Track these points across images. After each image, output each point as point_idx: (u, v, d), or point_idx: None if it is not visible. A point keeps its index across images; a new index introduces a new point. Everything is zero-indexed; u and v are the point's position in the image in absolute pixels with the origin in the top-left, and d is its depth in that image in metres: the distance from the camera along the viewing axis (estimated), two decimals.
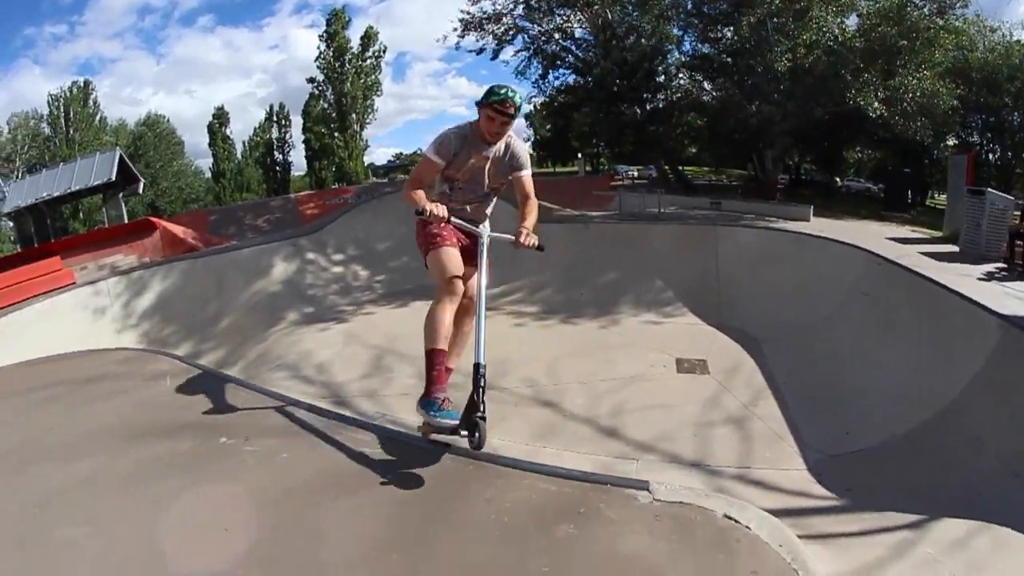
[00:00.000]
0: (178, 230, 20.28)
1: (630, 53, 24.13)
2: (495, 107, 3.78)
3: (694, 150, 34.03)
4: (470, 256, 4.01)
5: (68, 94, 56.93)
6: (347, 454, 3.69)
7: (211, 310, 11.87)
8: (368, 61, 56.59)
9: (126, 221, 31.56)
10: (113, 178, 27.52)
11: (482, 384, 3.54)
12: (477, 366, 3.59)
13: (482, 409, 3.47)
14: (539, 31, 26.76)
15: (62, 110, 56.27)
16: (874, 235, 11.77)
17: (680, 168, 30.13)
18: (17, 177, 46.71)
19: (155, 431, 4.22)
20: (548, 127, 60.73)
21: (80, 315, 11.07)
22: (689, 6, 24.86)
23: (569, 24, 26.54)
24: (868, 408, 7.03)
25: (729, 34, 22.05)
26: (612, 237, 11.70)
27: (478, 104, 3.86)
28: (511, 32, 26.63)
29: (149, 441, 4.07)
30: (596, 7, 24.67)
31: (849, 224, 14.45)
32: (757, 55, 19.60)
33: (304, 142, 59.15)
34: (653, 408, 7.06)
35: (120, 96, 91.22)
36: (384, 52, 57.73)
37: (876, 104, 17.04)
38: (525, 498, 3.13)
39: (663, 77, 25.97)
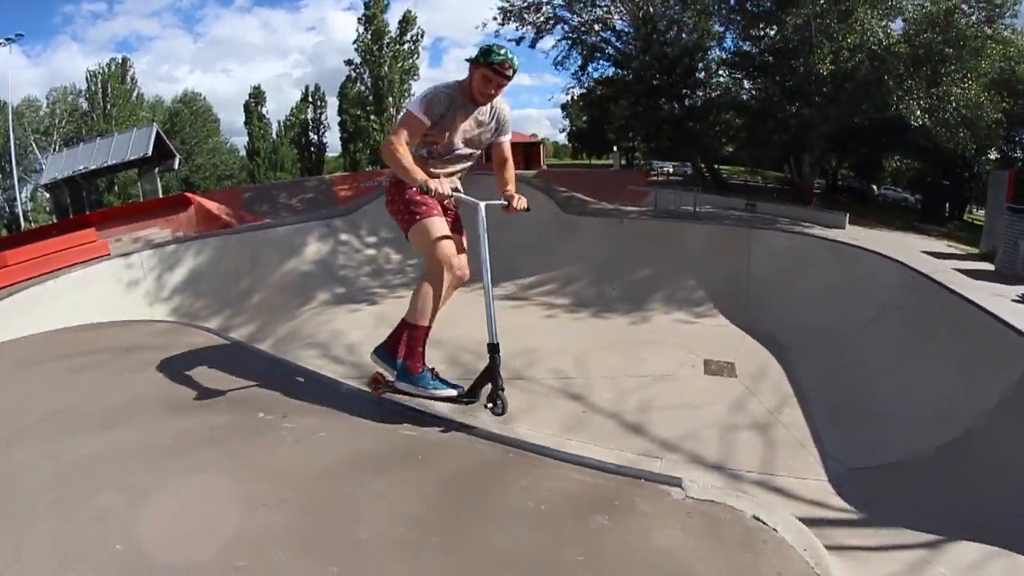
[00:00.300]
0: (212, 206, 20.49)
1: (671, 48, 23.93)
2: (495, 68, 3.63)
3: (730, 149, 33.63)
4: (454, 228, 3.99)
5: (106, 71, 57.73)
6: (385, 435, 3.77)
7: (243, 286, 11.93)
8: (406, 45, 56.81)
9: (161, 196, 32.14)
10: (149, 153, 28.02)
11: (499, 361, 3.89)
12: (493, 346, 3.87)
13: (501, 383, 3.92)
14: (579, 21, 26.65)
15: (100, 86, 57.03)
16: (909, 247, 11.66)
17: (716, 167, 29.85)
18: (55, 150, 47.49)
19: (192, 404, 4.21)
20: (584, 118, 60.66)
21: (113, 286, 11.24)
22: (732, 2, 24.67)
23: (609, 15, 26.40)
24: (892, 423, 6.98)
25: (772, 33, 21.59)
26: (646, 233, 11.70)
27: (473, 62, 3.70)
28: (551, 22, 26.60)
29: (187, 413, 4.05)
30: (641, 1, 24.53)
31: (884, 234, 14.33)
32: (800, 56, 19.35)
33: (339, 124, 59.80)
34: (679, 408, 7.11)
35: (157, 73, 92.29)
36: (422, 36, 57.96)
37: (918, 112, 16.75)
38: (561, 487, 3.19)
39: (703, 74, 25.73)
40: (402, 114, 3.80)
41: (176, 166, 31.61)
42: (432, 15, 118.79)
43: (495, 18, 26.71)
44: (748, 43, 24.52)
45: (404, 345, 3.94)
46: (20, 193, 49.91)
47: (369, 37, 56.42)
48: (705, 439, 6.67)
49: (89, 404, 4.33)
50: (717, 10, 24.78)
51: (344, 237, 13.44)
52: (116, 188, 52.79)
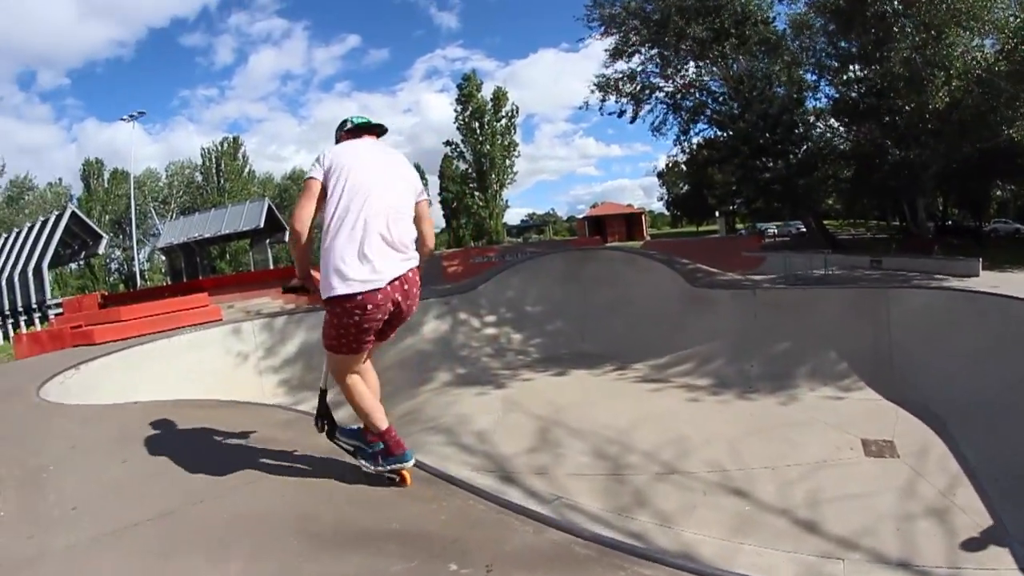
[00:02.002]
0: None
1: (770, 105, 23.59)
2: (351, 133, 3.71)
3: (830, 202, 32.47)
4: None
5: (219, 148, 62.25)
6: None
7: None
8: (502, 122, 58.27)
9: (271, 267, 33.53)
10: (261, 225, 29.25)
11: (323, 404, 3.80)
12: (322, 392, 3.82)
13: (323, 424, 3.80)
14: (674, 87, 26.66)
15: (213, 162, 61.39)
16: None
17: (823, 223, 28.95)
18: (172, 217, 50.94)
19: (344, 535, 3.19)
20: (682, 185, 60.43)
21: (224, 352, 11.32)
22: (818, 47, 24.17)
23: (702, 78, 26.30)
24: None
25: (871, 74, 20.96)
26: (780, 303, 11.02)
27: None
28: (646, 91, 26.71)
29: (338, 552, 3.04)
30: (731, 59, 24.33)
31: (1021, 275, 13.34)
32: (910, 93, 18.55)
33: (441, 201, 61.62)
34: (848, 498, 6.61)
35: (265, 152, 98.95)
36: (517, 112, 59.61)
37: None
38: None
39: (801, 127, 25.11)
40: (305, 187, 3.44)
41: (286, 239, 32.87)
42: (521, 92, 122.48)
43: (592, 91, 27.09)
44: (842, 88, 23.93)
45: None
46: (138, 254, 53.66)
47: (467, 115, 58.27)
48: (882, 533, 6.15)
49: (201, 514, 3.51)
50: (806, 59, 24.40)
51: (463, 316, 13.29)
52: (228, 256, 55.84)
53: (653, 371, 11.05)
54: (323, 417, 3.84)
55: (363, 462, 3.66)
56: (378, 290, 3.23)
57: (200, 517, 3.48)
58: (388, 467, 3.60)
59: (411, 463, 3.61)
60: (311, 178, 3.29)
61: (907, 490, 6.85)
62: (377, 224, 3.26)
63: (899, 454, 7.64)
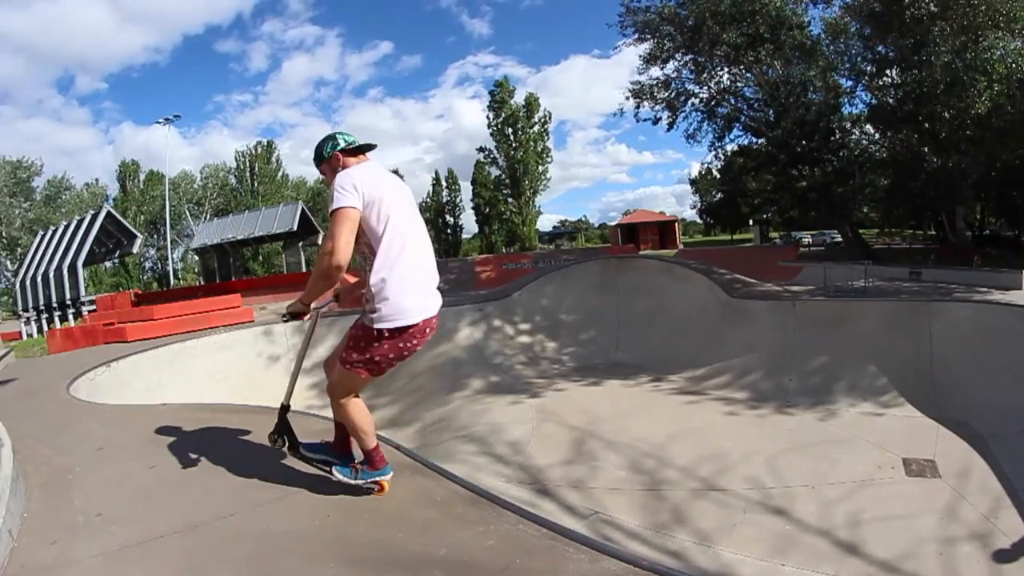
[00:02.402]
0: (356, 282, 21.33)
1: (807, 111, 23.27)
2: (351, 156, 3.59)
3: (864, 210, 31.87)
4: None
5: (253, 151, 62.99)
6: None
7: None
8: (534, 128, 58.38)
9: (304, 269, 33.81)
10: (295, 228, 29.49)
11: (283, 421, 3.81)
12: (285, 407, 3.84)
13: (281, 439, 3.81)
14: (708, 94, 26.46)
15: (247, 165, 62.20)
16: None
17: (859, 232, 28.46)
18: (206, 219, 51.72)
19: (387, 561, 3.05)
20: (715, 193, 59.94)
21: (254, 354, 11.32)
22: (854, 51, 23.79)
23: (736, 85, 26.07)
24: None
25: (909, 79, 20.42)
26: (819, 315, 10.70)
27: (322, 158, 3.62)
28: (681, 98, 26.58)
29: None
30: (766, 65, 24.05)
31: None
32: (950, 98, 18.15)
33: (474, 207, 61.96)
34: (889, 520, 6.48)
35: (299, 157, 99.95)
36: (549, 118, 59.66)
37: None
38: None
39: (838, 134, 24.74)
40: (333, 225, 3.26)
41: (319, 241, 33.26)
42: (554, 99, 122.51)
43: (627, 97, 27.04)
44: (879, 94, 23.50)
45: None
46: (172, 254, 54.68)
47: (500, 122, 58.45)
48: (924, 558, 6.01)
49: (231, 529, 3.38)
50: (841, 64, 24.00)
51: (497, 323, 13.20)
52: (260, 258, 56.53)
53: (689, 383, 10.93)
54: (283, 434, 3.86)
55: (339, 474, 3.67)
56: (433, 317, 3.38)
57: (230, 532, 3.38)
58: (368, 480, 3.65)
59: (390, 476, 3.67)
60: (351, 207, 3.15)
61: (949, 512, 6.71)
62: (422, 258, 3.39)
63: (940, 474, 7.48)
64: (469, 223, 66.66)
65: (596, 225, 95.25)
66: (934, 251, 24.66)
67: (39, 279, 23.76)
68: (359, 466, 3.69)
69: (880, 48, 22.23)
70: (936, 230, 29.29)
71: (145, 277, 59.44)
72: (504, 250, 54.90)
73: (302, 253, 36.43)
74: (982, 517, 6.56)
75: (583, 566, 2.90)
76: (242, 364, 11.00)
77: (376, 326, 3.23)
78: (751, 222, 49.79)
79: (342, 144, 3.54)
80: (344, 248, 3.08)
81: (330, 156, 3.55)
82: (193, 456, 4.60)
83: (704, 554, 5.80)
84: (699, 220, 74.50)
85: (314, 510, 3.61)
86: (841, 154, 23.94)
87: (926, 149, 20.60)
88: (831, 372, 10.06)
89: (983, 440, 8.27)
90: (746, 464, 7.51)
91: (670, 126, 27.26)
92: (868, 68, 23.53)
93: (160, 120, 47.85)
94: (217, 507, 3.66)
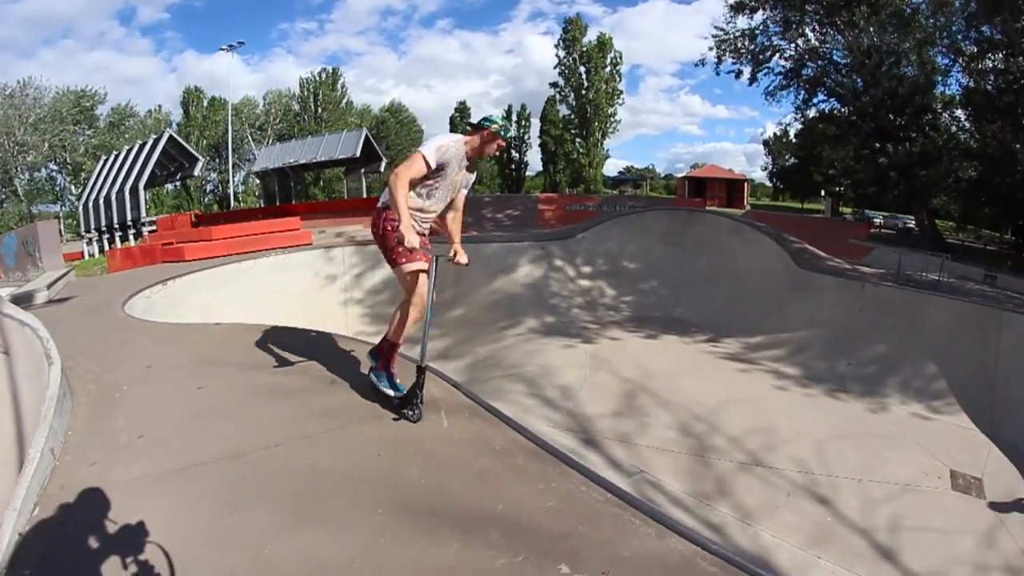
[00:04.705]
0: None
1: (900, 83, 21.95)
2: (500, 141, 4.30)
3: (941, 201, 30.27)
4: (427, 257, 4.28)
5: (318, 78, 62.92)
6: None
7: (446, 298, 10.96)
8: (607, 69, 57.10)
9: (364, 196, 33.99)
10: (357, 154, 29.48)
11: (422, 382, 4.01)
12: (421, 368, 4.01)
13: (420, 397, 4.00)
14: (795, 53, 25.39)
15: (312, 92, 62.19)
16: None
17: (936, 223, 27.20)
18: (268, 143, 52.13)
19: (440, 512, 2.93)
20: (789, 157, 58.06)
21: (311, 276, 11.43)
22: (955, 28, 22.27)
23: (826, 46, 24.91)
24: None
25: (1012, 67, 18.99)
26: (887, 302, 10.24)
27: (479, 128, 4.27)
28: (766, 52, 25.59)
29: (434, 529, 2.79)
30: (859, 29, 22.82)
31: None
32: None
33: (540, 145, 61.20)
34: (928, 532, 6.22)
35: (364, 85, 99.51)
36: (620, 59, 58.06)
37: None
38: None
39: (929, 115, 23.08)
40: (413, 155, 4.04)
41: (382, 169, 33.31)
42: (629, 43, 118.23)
43: (711, 48, 26.17)
44: (977, 77, 22.12)
45: (380, 354, 4.32)
46: (233, 177, 55.34)
47: (571, 59, 57.27)
48: None
49: (275, 461, 3.37)
50: (940, 38, 22.59)
51: (558, 263, 12.86)
52: (322, 183, 56.97)
53: (746, 350, 10.68)
54: (416, 398, 4.09)
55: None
56: None
57: (275, 465, 3.31)
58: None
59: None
60: (425, 160, 3.95)
61: (987, 538, 6.39)
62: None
63: (986, 495, 7.14)
64: (534, 161, 65.56)
65: (662, 175, 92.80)
66: (1011, 257, 23.48)
67: (101, 201, 24.42)
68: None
69: (985, 28, 20.88)
70: (1016, 235, 27.94)
71: (207, 200, 60.31)
72: (568, 191, 54.11)
73: (363, 180, 36.63)
74: (1019, 551, 6.23)
75: (649, 542, 2.79)
76: (299, 286, 11.17)
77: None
78: (823, 193, 48.14)
79: (484, 125, 4.29)
80: (405, 179, 3.91)
81: (463, 129, 4.73)
82: (242, 378, 4.61)
83: (744, 532, 5.73)
84: (768, 183, 72.36)
85: (364, 446, 3.53)
86: (930, 135, 22.53)
87: (1018, 146, 19.45)
88: (888, 364, 9.62)
89: None
90: (795, 444, 7.32)
91: (751, 81, 26.23)
92: (969, 48, 22.14)
93: (223, 47, 47.64)
94: (263, 435, 3.62)
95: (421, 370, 3.99)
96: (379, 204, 4.22)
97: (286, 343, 5.48)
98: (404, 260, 4.00)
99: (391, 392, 4.18)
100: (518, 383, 8.82)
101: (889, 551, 5.86)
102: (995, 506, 6.77)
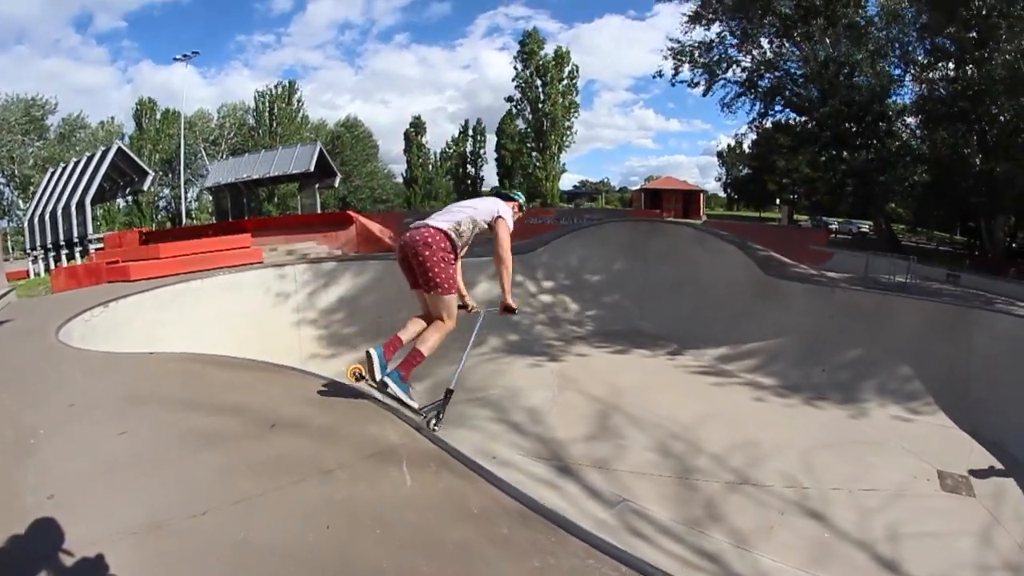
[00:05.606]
0: (375, 227, 20.77)
1: (859, 93, 22.44)
2: (523, 212, 5.78)
3: (893, 205, 31.04)
4: None
5: (274, 92, 62.53)
6: None
7: (402, 317, 10.83)
8: (564, 82, 57.68)
9: (319, 211, 33.41)
10: (311, 169, 29.10)
11: (446, 403, 4.71)
12: (449, 392, 4.77)
13: (442, 415, 4.63)
14: (751, 65, 25.72)
15: (267, 106, 61.71)
16: None
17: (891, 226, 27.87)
18: (222, 158, 51.22)
19: None
20: (742, 167, 59.23)
21: (261, 295, 10.93)
22: (907, 39, 22.95)
23: (782, 58, 25.28)
24: None
25: (963, 75, 19.68)
26: (857, 306, 10.29)
27: (516, 202, 5.71)
28: (722, 64, 25.84)
29: None
30: (814, 40, 23.26)
31: None
32: (1009, 99, 17.34)
33: (496, 159, 61.63)
34: (926, 536, 6.02)
35: (320, 100, 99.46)
36: (577, 72, 59.21)
37: None
38: None
39: (884, 123, 23.91)
40: (506, 226, 5.22)
41: (336, 184, 32.91)
42: (584, 58, 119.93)
43: (666, 58, 26.58)
44: (928, 86, 22.75)
45: (410, 364, 4.67)
46: (186, 193, 54.35)
47: (528, 73, 57.68)
48: None
49: (200, 534, 2.82)
50: (891, 49, 23.22)
51: (519, 278, 12.29)
52: (276, 199, 56.20)
53: (716, 361, 10.47)
54: (438, 415, 4.65)
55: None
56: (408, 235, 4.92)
57: (199, 538, 2.75)
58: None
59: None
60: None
61: (984, 537, 6.20)
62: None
63: (975, 493, 7.00)
64: (490, 176, 66.41)
65: (616, 188, 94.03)
66: (968, 256, 23.99)
67: (47, 217, 23.58)
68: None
69: (938, 39, 21.39)
70: (967, 236, 28.58)
71: (159, 216, 59.10)
72: (531, 206, 54.58)
73: (318, 195, 36.01)
74: (1018, 548, 6.07)
75: None
76: (250, 306, 10.63)
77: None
78: (777, 201, 49.22)
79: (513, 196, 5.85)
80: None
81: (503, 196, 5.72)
82: (172, 420, 4.06)
83: (743, 559, 5.34)
84: (722, 194, 73.90)
85: (310, 515, 2.91)
86: (886, 142, 23.14)
87: (967, 151, 19.87)
88: (863, 368, 9.52)
89: (1018, 464, 7.75)
90: (779, 457, 7.04)
91: (706, 91, 26.68)
92: (921, 58, 22.73)
93: (178, 56, 46.87)
94: (190, 497, 3.07)
95: (448, 392, 4.74)
96: (436, 226, 4.74)
97: (224, 377, 5.11)
98: (450, 288, 4.77)
99: (415, 404, 4.59)
100: (483, 408, 8.37)
101: (891, 562, 5.58)
102: (975, 473, 7.12)
